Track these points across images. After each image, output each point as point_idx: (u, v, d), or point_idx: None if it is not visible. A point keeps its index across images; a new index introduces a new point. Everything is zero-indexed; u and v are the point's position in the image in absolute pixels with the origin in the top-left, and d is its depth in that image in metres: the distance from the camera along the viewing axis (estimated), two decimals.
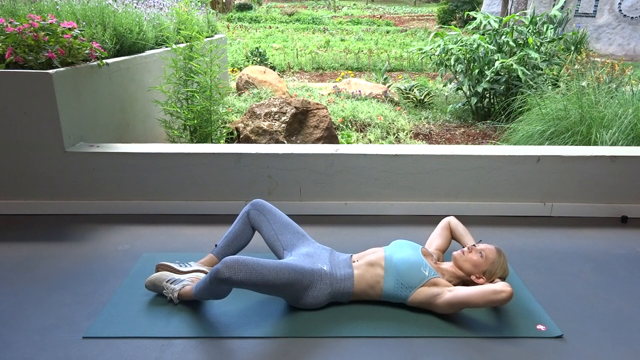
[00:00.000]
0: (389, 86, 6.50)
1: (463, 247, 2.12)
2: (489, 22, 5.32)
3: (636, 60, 10.29)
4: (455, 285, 2.01)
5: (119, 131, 3.34)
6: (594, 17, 10.91)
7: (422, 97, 6.04)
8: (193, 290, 1.94)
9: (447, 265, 2.06)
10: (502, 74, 5.13)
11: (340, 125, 4.81)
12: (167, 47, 3.83)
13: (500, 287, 1.80)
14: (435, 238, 2.29)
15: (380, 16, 21.00)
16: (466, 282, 2.02)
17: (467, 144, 4.65)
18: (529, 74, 4.87)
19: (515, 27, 5.16)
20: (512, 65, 4.76)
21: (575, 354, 1.78)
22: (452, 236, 2.30)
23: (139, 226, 2.74)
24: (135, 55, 3.57)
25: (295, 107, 3.98)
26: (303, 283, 1.89)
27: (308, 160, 2.82)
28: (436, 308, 1.93)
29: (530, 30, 5.17)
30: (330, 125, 4.03)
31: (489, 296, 1.80)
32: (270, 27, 15.69)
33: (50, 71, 2.61)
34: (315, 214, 2.90)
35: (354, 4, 28.11)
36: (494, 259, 1.99)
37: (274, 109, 3.97)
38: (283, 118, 3.92)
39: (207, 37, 5.14)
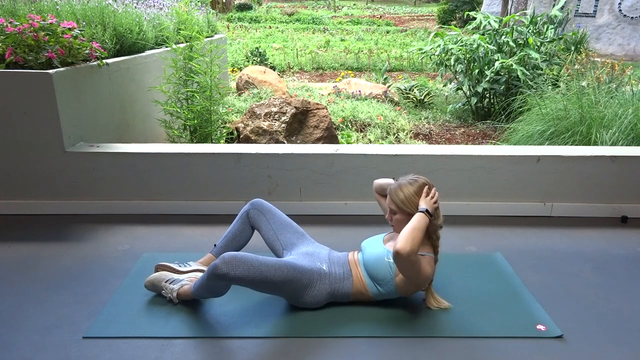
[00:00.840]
0: (389, 86, 6.50)
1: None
2: (489, 22, 5.32)
3: (636, 60, 10.29)
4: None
5: (119, 131, 3.34)
6: (594, 17, 10.91)
7: (422, 97, 6.04)
8: (191, 288, 1.94)
9: None
10: (502, 74, 5.13)
11: (340, 125, 4.81)
12: (167, 47, 3.83)
13: (393, 253, 1.75)
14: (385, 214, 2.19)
15: (380, 16, 21.01)
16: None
17: (467, 144, 4.65)
18: (529, 74, 4.87)
19: (515, 27, 5.16)
20: (512, 65, 4.76)
21: (575, 354, 1.78)
22: (386, 196, 2.15)
23: (139, 226, 2.74)
24: (135, 55, 3.57)
25: (295, 107, 3.98)
26: (302, 281, 1.89)
27: (308, 160, 2.82)
28: (419, 285, 1.92)
29: (530, 31, 5.17)
30: (330, 125, 4.03)
31: (401, 264, 1.77)
32: (270, 27, 15.69)
33: (50, 71, 2.61)
34: (315, 214, 2.90)
35: (354, 4, 28.11)
36: (395, 201, 1.93)
37: (274, 109, 3.97)
38: (283, 118, 3.92)
39: (207, 37, 5.14)
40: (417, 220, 1.81)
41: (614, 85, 4.22)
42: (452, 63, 5.35)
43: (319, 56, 9.69)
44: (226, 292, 1.89)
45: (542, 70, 5.16)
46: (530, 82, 4.77)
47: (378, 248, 1.99)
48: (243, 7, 20.60)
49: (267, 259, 1.82)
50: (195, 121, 3.67)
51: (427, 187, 1.94)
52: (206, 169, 2.83)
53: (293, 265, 1.87)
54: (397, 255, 1.73)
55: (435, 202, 1.91)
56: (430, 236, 1.95)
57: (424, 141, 4.69)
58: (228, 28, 14.73)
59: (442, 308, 2.00)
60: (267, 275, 1.78)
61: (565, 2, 5.60)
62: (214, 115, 3.82)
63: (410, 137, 4.71)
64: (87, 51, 2.93)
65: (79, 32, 2.92)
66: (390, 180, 2.14)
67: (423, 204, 1.88)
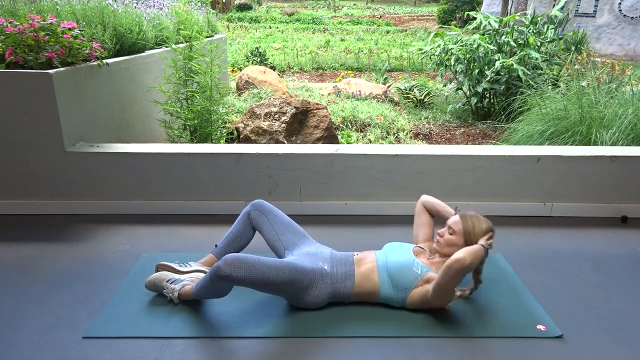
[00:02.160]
0: (389, 86, 6.50)
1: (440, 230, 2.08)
2: (489, 22, 5.32)
3: (636, 60, 10.29)
4: None
5: (119, 131, 3.34)
6: (594, 17, 10.91)
7: (422, 97, 6.04)
8: (193, 289, 1.94)
9: (438, 258, 2.05)
10: (502, 74, 5.13)
11: (340, 125, 4.81)
12: (167, 47, 3.83)
13: (452, 260, 1.78)
14: (418, 230, 2.25)
15: (380, 16, 21.00)
16: None
17: (467, 144, 4.65)
18: (529, 73, 4.87)
19: (515, 27, 5.16)
20: (512, 65, 4.75)
21: (575, 354, 1.78)
22: (432, 215, 2.26)
23: (139, 226, 2.74)
24: (135, 55, 3.57)
25: (295, 107, 3.98)
26: (304, 282, 1.89)
27: (308, 160, 2.82)
28: (431, 304, 1.93)
29: (530, 31, 5.17)
30: (330, 125, 4.03)
31: (449, 273, 1.79)
32: (270, 27, 15.69)
33: (50, 71, 2.61)
34: (315, 214, 2.90)
35: (354, 4, 28.11)
36: (463, 227, 1.97)
37: (274, 109, 3.97)
38: (283, 118, 3.92)
39: (207, 37, 5.14)
40: (478, 249, 1.84)
41: (614, 85, 4.22)
42: (452, 63, 5.35)
43: (319, 56, 9.69)
44: (228, 293, 1.89)
45: (542, 70, 5.16)
46: (530, 82, 4.77)
47: (407, 256, 2.00)
48: (243, 7, 20.60)
49: (268, 260, 1.82)
50: (195, 121, 3.67)
51: (492, 232, 1.98)
52: (206, 169, 2.83)
53: (295, 266, 1.87)
54: (457, 262, 1.76)
55: (490, 247, 1.94)
56: (474, 275, 2.01)
57: (424, 141, 4.69)
58: (228, 28, 14.73)
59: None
60: (269, 277, 1.78)
61: (565, 2, 5.60)
62: (214, 115, 3.82)
63: (410, 137, 4.71)
64: (87, 51, 2.93)
65: (79, 32, 2.92)
66: (444, 204, 2.22)
67: (483, 242, 1.91)
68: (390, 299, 1.98)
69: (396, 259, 1.99)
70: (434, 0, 28.80)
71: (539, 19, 5.27)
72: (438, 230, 2.08)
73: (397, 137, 4.65)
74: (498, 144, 4.44)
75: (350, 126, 4.82)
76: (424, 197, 2.30)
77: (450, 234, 1.99)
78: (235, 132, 4.04)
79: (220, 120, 4.10)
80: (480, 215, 2.03)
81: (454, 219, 2.02)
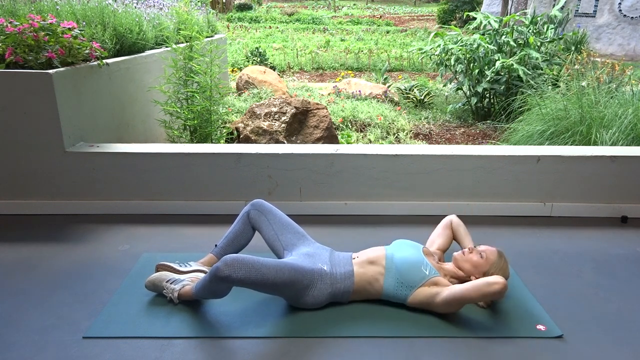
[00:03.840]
0: (389, 86, 6.50)
1: (463, 248, 2.12)
2: (489, 22, 5.32)
3: (636, 60, 10.29)
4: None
5: (119, 131, 3.34)
6: (594, 17, 10.91)
7: (422, 97, 6.04)
8: (193, 290, 1.94)
9: (449, 266, 2.06)
10: (502, 74, 5.13)
11: (340, 125, 4.81)
12: (167, 47, 3.83)
13: (493, 279, 1.79)
14: (437, 237, 2.29)
15: (380, 16, 21.00)
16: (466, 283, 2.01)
17: (467, 144, 4.65)
18: (530, 73, 4.87)
19: (515, 27, 5.16)
20: (512, 65, 4.76)
21: (575, 354, 1.78)
22: (453, 236, 2.30)
23: (139, 226, 2.74)
24: (135, 55, 3.57)
25: (295, 107, 3.98)
26: (303, 282, 1.90)
27: (308, 160, 2.82)
28: (435, 307, 1.93)
29: (530, 30, 5.17)
30: (330, 125, 4.03)
31: (483, 289, 1.79)
32: (270, 27, 15.69)
33: (50, 71, 2.61)
34: (315, 214, 2.90)
35: (354, 4, 28.10)
36: (494, 260, 2.00)
37: (274, 109, 3.97)
38: (283, 118, 3.92)
39: (207, 37, 5.14)
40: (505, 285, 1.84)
41: (614, 85, 4.22)
42: (452, 63, 5.35)
43: (319, 56, 9.69)
44: (228, 294, 1.89)
45: (542, 70, 5.16)
46: (530, 82, 4.77)
47: (417, 254, 2.01)
48: (243, 7, 20.59)
49: (268, 261, 1.82)
50: (195, 121, 3.67)
51: (499, 286, 1.88)
52: (206, 169, 2.83)
53: (294, 267, 1.87)
54: (497, 284, 1.77)
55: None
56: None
57: (424, 141, 4.69)
58: (228, 28, 14.73)
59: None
60: (268, 277, 1.79)
61: (565, 2, 5.61)
62: (214, 115, 3.82)
63: (410, 137, 4.71)
64: (87, 51, 2.93)
65: (79, 32, 2.92)
66: (469, 235, 2.27)
67: (495, 279, 1.85)
68: (393, 295, 1.97)
69: (406, 255, 2.00)
70: (434, 0, 28.79)
71: (539, 18, 5.27)
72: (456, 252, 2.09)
73: (397, 137, 4.65)
74: (498, 144, 4.44)
75: (350, 126, 4.82)
76: (455, 217, 2.33)
77: (480, 258, 2.01)
78: (235, 132, 4.04)
79: (220, 120, 4.10)
80: (504, 259, 2.05)
81: (491, 249, 2.04)
